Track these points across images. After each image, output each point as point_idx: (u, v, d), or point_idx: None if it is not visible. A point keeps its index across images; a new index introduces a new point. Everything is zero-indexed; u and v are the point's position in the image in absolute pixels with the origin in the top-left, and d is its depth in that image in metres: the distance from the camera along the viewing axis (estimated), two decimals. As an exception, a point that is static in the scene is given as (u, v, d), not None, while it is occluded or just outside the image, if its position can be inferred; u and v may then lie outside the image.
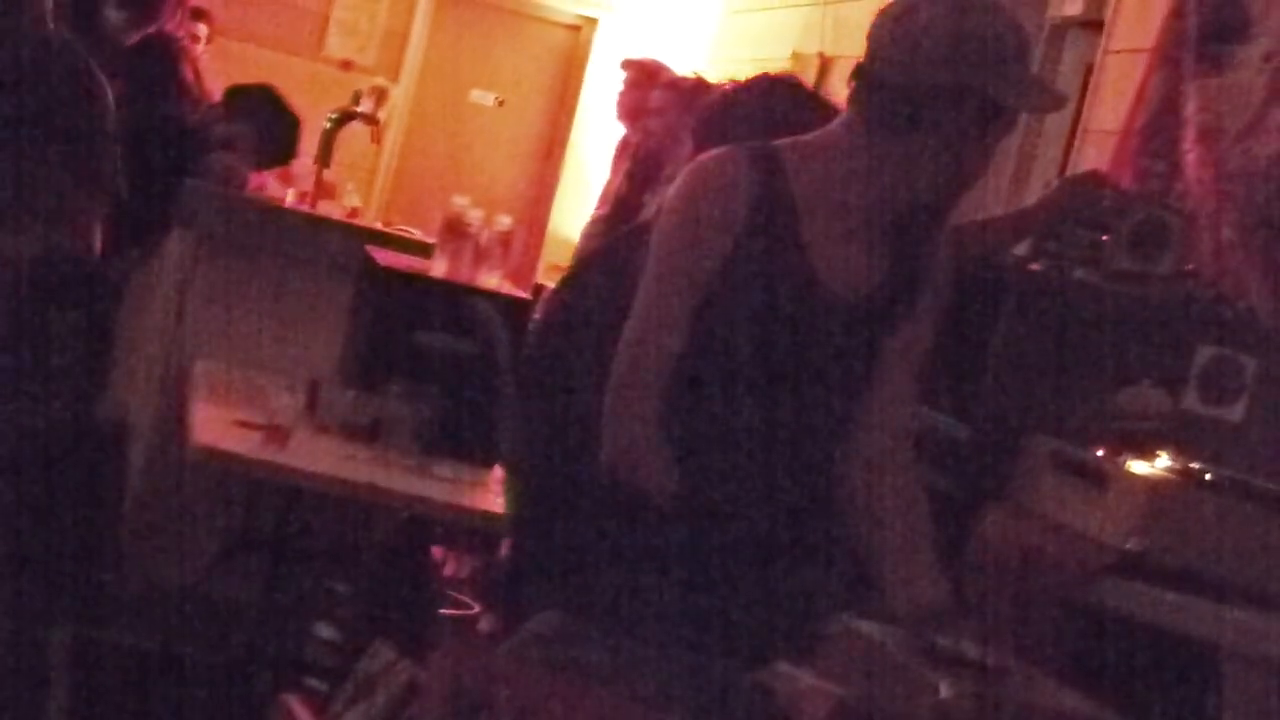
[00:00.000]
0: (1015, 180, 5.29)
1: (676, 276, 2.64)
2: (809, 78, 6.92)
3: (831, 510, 2.73)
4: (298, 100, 5.95)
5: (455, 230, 4.61)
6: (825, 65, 7.24)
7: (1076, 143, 4.92)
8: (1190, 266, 3.72)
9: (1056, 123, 5.13)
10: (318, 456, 3.93)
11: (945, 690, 2.31)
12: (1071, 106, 4.89)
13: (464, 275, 4.56)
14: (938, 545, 2.72)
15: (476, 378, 4.21)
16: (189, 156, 5.31)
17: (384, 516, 4.56)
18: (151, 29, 5.26)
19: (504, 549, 4.16)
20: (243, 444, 3.86)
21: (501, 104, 9.86)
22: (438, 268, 4.58)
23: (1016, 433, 3.37)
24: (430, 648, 2.40)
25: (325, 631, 4.61)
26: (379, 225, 6.60)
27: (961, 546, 3.18)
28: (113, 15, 5.09)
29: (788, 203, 2.64)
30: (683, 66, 7.28)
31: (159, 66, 5.40)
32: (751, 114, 3.07)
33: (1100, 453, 3.20)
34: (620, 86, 6.91)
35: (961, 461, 3.40)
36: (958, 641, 2.45)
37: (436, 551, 5.41)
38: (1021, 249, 3.75)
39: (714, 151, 2.71)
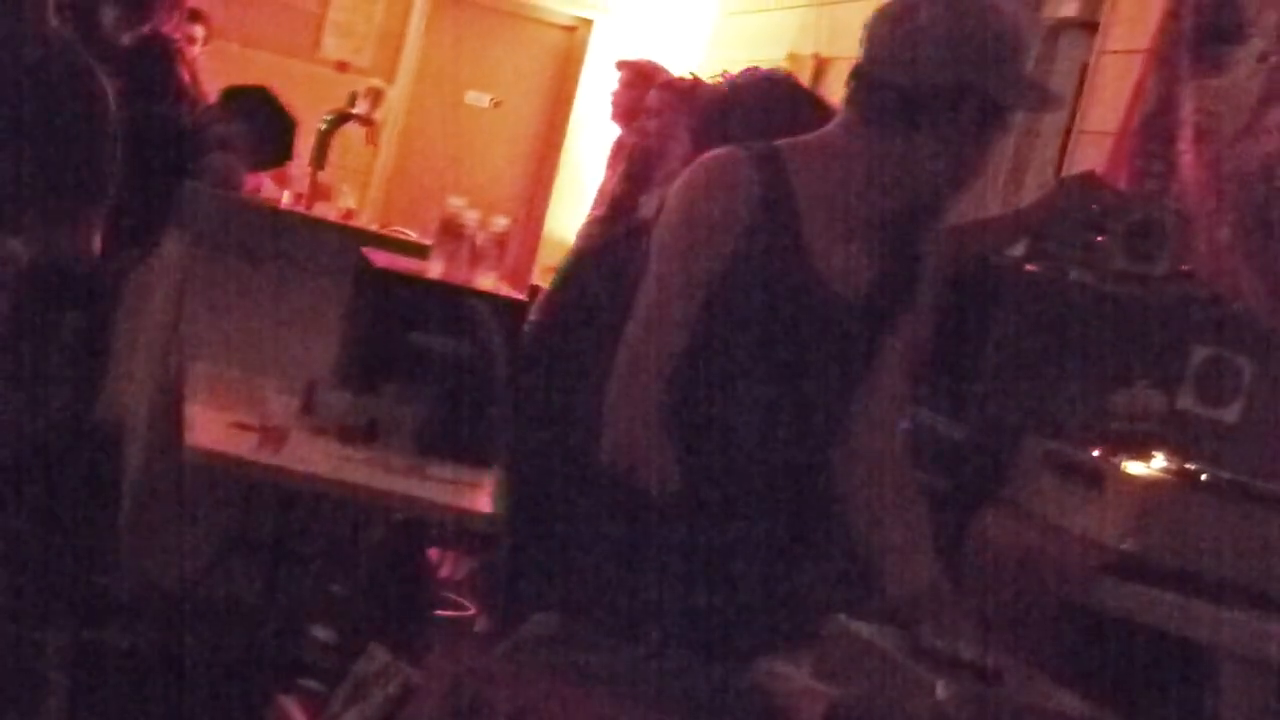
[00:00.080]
0: (1011, 181, 5.28)
1: (678, 276, 2.64)
2: (804, 79, 6.91)
3: (830, 509, 2.74)
4: (294, 101, 5.95)
5: (451, 231, 4.61)
6: (821, 66, 7.23)
7: (1072, 144, 4.91)
8: (1186, 267, 3.72)
9: (1052, 123, 5.12)
10: (314, 458, 3.93)
11: (942, 691, 2.30)
12: (1067, 107, 4.88)
13: (460, 276, 4.56)
14: (935, 543, 2.72)
15: (473, 379, 4.21)
16: (186, 158, 5.31)
17: (380, 518, 4.56)
18: (145, 28, 5.25)
19: (499, 550, 4.15)
20: (239, 446, 3.86)
21: (498, 105, 9.85)
22: (434, 269, 4.58)
23: (1013, 433, 3.36)
24: (427, 649, 2.40)
25: (322, 633, 4.60)
26: (375, 227, 6.60)
27: (958, 547, 3.18)
28: (107, 13, 5.09)
29: (789, 203, 2.64)
30: (678, 68, 7.27)
31: (156, 68, 5.39)
32: (751, 114, 3.07)
33: (1096, 453, 3.20)
34: (616, 87, 6.91)
35: (958, 462, 3.40)
36: (954, 642, 2.45)
37: (433, 553, 5.41)
38: (1018, 250, 3.74)
39: (716, 151, 2.71)
